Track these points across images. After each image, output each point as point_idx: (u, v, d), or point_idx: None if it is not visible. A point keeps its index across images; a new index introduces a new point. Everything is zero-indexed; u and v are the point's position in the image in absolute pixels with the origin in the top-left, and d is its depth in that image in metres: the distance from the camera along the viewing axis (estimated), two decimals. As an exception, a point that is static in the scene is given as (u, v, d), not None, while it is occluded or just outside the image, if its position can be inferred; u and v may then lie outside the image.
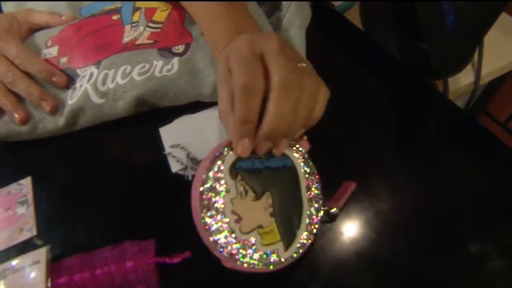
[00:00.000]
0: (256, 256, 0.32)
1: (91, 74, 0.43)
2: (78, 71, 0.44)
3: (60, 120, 0.43)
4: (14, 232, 0.38)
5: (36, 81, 0.43)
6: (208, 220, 0.31)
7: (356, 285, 0.35)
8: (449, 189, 0.40)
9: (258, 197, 0.33)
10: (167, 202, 0.39)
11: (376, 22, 0.68)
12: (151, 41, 0.44)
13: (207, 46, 0.44)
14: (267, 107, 0.31)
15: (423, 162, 0.43)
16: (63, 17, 0.48)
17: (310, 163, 0.36)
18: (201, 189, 0.31)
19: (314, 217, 0.35)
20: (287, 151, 0.35)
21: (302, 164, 0.36)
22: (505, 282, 0.34)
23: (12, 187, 0.41)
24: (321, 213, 0.36)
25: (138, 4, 0.47)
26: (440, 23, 0.55)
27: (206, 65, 0.43)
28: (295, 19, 0.45)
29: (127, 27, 0.45)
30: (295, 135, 0.35)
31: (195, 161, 0.37)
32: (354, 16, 0.71)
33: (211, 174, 0.32)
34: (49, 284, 0.33)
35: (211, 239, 0.31)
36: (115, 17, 0.46)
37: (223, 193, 0.32)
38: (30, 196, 0.40)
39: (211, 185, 0.32)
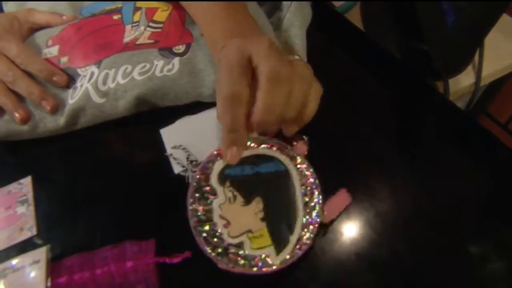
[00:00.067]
0: (245, 260, 0.32)
1: (92, 73, 0.43)
2: (79, 70, 0.44)
3: (61, 120, 0.43)
4: (14, 231, 0.38)
5: (36, 81, 0.43)
6: (197, 223, 0.33)
7: (356, 285, 0.34)
8: (449, 189, 0.40)
9: (247, 202, 0.34)
10: (167, 202, 0.39)
11: (376, 22, 0.68)
12: (152, 41, 0.44)
13: (207, 46, 0.44)
14: (257, 100, 0.31)
15: (423, 163, 0.43)
16: (64, 17, 0.48)
17: (308, 168, 0.36)
18: (191, 196, 0.34)
19: (314, 221, 0.35)
20: (280, 156, 0.36)
21: (296, 169, 0.36)
22: (505, 283, 0.34)
23: (13, 187, 0.41)
24: (324, 215, 0.35)
25: (138, 4, 0.47)
26: (441, 24, 0.55)
27: (206, 65, 0.43)
28: (296, 19, 0.45)
29: (128, 27, 0.45)
30: (290, 125, 0.35)
31: (195, 164, 0.37)
32: (355, 16, 0.71)
33: (201, 181, 0.34)
34: (49, 284, 0.33)
35: (200, 244, 0.33)
36: (115, 17, 0.46)
37: (210, 200, 0.34)
38: (30, 196, 0.40)
39: (201, 192, 0.34)
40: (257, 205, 0.34)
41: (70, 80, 0.44)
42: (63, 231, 0.38)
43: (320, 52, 0.47)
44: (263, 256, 0.33)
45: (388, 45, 0.64)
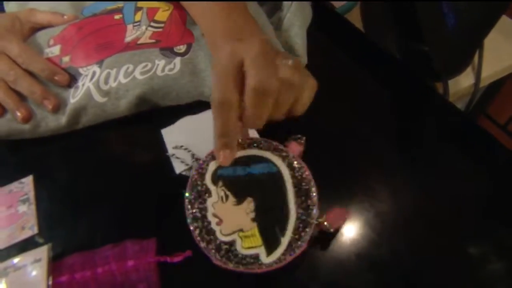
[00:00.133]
0: (236, 258, 0.33)
1: (94, 73, 0.43)
2: (81, 70, 0.44)
3: (62, 119, 0.43)
4: (15, 230, 0.38)
5: (38, 80, 0.43)
6: (193, 220, 0.35)
7: (356, 285, 0.34)
8: (449, 190, 0.40)
9: (238, 202, 0.35)
10: (168, 202, 0.39)
11: (376, 23, 0.68)
12: (153, 41, 0.45)
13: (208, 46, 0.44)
14: (244, 109, 0.33)
15: (423, 164, 0.43)
16: (65, 17, 0.48)
17: (301, 169, 0.36)
18: (187, 194, 0.36)
19: (308, 224, 0.34)
20: (273, 157, 0.37)
21: (289, 170, 0.36)
22: (505, 284, 0.34)
23: (14, 186, 0.41)
24: (323, 218, 0.35)
25: (140, 4, 0.47)
26: (441, 25, 0.56)
27: (207, 65, 0.43)
28: (296, 19, 0.46)
29: (129, 27, 0.45)
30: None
31: (200, 164, 0.38)
32: (355, 17, 0.71)
33: (196, 180, 0.36)
34: (50, 282, 0.33)
35: (196, 239, 0.34)
36: (117, 17, 0.46)
37: (205, 198, 0.35)
38: (31, 195, 0.41)
39: (196, 190, 0.36)
40: (248, 205, 0.35)
41: (72, 79, 0.44)
42: (65, 230, 0.38)
43: (320, 53, 0.48)
44: (254, 255, 0.33)
45: (388, 46, 0.65)
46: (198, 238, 0.34)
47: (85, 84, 0.43)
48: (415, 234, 0.37)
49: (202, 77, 0.43)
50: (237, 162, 0.37)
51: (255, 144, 0.38)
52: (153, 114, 0.45)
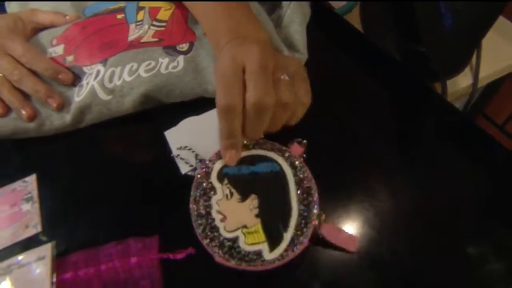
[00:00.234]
0: (239, 254, 0.34)
1: (98, 71, 0.43)
2: (85, 69, 0.44)
3: (67, 117, 0.43)
4: (19, 228, 0.39)
5: (42, 79, 0.44)
6: (197, 217, 0.35)
7: (356, 284, 0.35)
8: (448, 190, 0.40)
9: (243, 199, 0.36)
10: (171, 201, 0.39)
11: (375, 24, 0.68)
12: (156, 39, 0.45)
13: (210, 45, 0.45)
14: (243, 123, 0.35)
15: (422, 163, 0.43)
16: (67, 17, 0.48)
17: (302, 168, 0.37)
18: (193, 191, 0.37)
19: (310, 221, 0.35)
20: (276, 157, 0.38)
21: (291, 169, 0.37)
22: (504, 283, 0.35)
23: (18, 184, 0.42)
24: (322, 218, 0.36)
25: (142, 3, 0.48)
26: (439, 26, 0.56)
27: (209, 62, 0.44)
28: (296, 16, 0.46)
29: (132, 26, 0.46)
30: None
31: (203, 164, 0.39)
32: (354, 18, 0.72)
33: (202, 178, 0.37)
34: (54, 279, 0.34)
35: (199, 237, 0.34)
36: (119, 16, 0.47)
37: (210, 196, 0.36)
38: (35, 193, 0.41)
39: (202, 188, 0.37)
40: (252, 202, 0.36)
41: (76, 78, 0.44)
42: (68, 228, 0.39)
43: (319, 53, 0.48)
44: (257, 252, 0.34)
45: (387, 47, 0.65)
46: (202, 235, 0.34)
47: (89, 83, 0.43)
48: (414, 233, 0.37)
49: (204, 75, 0.44)
50: (242, 161, 0.38)
51: (259, 145, 0.39)
52: (156, 114, 0.45)
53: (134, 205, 0.40)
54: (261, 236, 0.34)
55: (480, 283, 0.35)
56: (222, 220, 0.35)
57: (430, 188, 0.41)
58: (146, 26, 0.46)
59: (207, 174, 0.38)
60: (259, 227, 0.35)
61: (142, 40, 0.45)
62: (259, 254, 0.33)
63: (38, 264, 0.35)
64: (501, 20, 0.74)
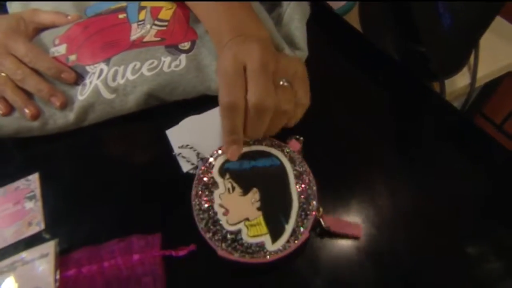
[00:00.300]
0: (242, 247, 0.34)
1: (101, 70, 0.44)
2: (88, 68, 0.44)
3: (70, 116, 0.44)
4: (22, 226, 0.39)
5: (45, 78, 0.44)
6: (200, 211, 0.36)
7: (356, 280, 0.35)
8: (447, 189, 0.41)
9: (244, 192, 0.37)
10: (173, 199, 0.39)
11: (374, 24, 0.69)
12: (158, 39, 0.45)
13: (211, 43, 0.45)
14: (244, 123, 0.36)
15: (422, 163, 0.43)
16: (69, 17, 0.49)
17: (301, 163, 0.39)
18: (195, 187, 0.37)
19: (310, 212, 0.36)
20: (275, 152, 0.39)
21: (290, 163, 0.38)
22: (503, 283, 0.35)
23: (21, 183, 0.42)
24: (320, 213, 0.36)
25: (143, 3, 0.48)
26: (437, 25, 0.57)
27: (211, 60, 0.45)
28: (296, 13, 0.47)
29: (134, 26, 0.46)
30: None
31: (205, 161, 0.39)
32: (353, 18, 0.72)
33: (204, 174, 0.38)
34: (57, 276, 0.34)
35: (202, 231, 0.35)
36: (121, 16, 0.47)
37: (212, 190, 0.37)
38: (38, 192, 0.41)
39: (204, 183, 0.38)
40: (253, 195, 0.37)
41: (79, 77, 0.44)
42: (71, 226, 0.39)
43: (318, 53, 0.48)
44: (260, 244, 0.34)
45: (386, 46, 0.65)
46: (204, 229, 0.35)
47: (92, 82, 0.43)
48: (413, 231, 0.38)
49: (207, 72, 0.44)
50: (243, 156, 0.39)
51: (259, 141, 0.40)
52: (157, 114, 0.46)
53: (137, 203, 0.41)
54: (263, 228, 0.35)
55: (479, 282, 0.35)
56: (225, 214, 0.36)
57: (429, 187, 0.41)
58: (148, 26, 0.46)
59: (209, 169, 0.39)
60: (261, 219, 0.36)
61: (145, 40, 0.45)
62: (261, 246, 0.34)
63: (41, 261, 0.35)
64: (499, 21, 0.75)
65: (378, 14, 0.67)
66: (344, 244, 0.37)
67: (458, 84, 0.69)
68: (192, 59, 0.45)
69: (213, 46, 0.45)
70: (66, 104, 0.44)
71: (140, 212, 0.40)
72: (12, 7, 0.54)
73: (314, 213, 0.36)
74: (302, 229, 0.35)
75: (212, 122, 0.44)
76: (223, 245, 0.34)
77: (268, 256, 0.34)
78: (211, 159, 0.39)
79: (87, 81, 0.44)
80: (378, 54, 0.55)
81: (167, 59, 0.44)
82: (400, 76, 0.53)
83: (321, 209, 0.37)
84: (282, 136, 0.41)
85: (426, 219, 0.38)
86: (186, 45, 0.45)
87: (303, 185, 0.37)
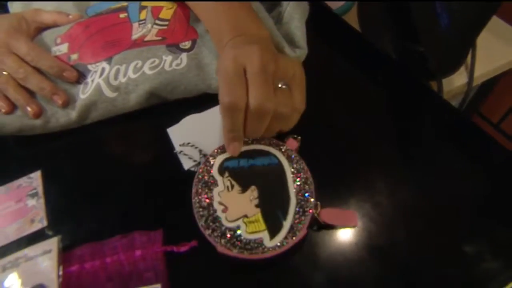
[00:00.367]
0: (241, 243, 0.35)
1: (103, 69, 0.44)
2: (89, 66, 0.45)
3: (73, 114, 0.44)
4: (25, 223, 0.39)
5: (47, 77, 0.44)
6: (199, 209, 0.37)
7: (355, 279, 0.35)
8: (446, 188, 0.41)
9: (243, 190, 0.38)
10: (174, 195, 0.40)
11: (373, 24, 0.69)
12: (159, 38, 0.46)
13: (212, 42, 0.46)
14: (244, 123, 0.37)
15: (420, 162, 0.44)
16: (70, 16, 0.49)
17: (299, 161, 0.39)
18: (195, 185, 0.38)
19: (307, 209, 0.37)
20: (273, 151, 0.40)
21: (288, 162, 0.39)
22: (501, 282, 0.35)
23: (23, 180, 0.42)
24: (317, 210, 0.37)
25: (144, 3, 0.49)
26: (435, 25, 0.57)
27: (212, 59, 0.45)
28: (295, 12, 0.47)
29: (135, 25, 0.47)
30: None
31: (204, 160, 0.40)
32: (352, 18, 0.73)
33: (204, 172, 0.39)
34: (60, 272, 0.34)
35: (201, 228, 0.36)
36: (122, 15, 0.48)
37: (211, 188, 0.38)
38: (40, 189, 0.41)
39: (203, 181, 0.38)
40: (252, 193, 0.38)
41: (81, 76, 0.45)
42: (73, 223, 0.39)
43: (317, 53, 0.49)
44: (258, 240, 0.35)
45: (384, 46, 0.66)
46: (204, 226, 0.36)
47: (94, 80, 0.44)
48: (411, 229, 0.38)
49: (207, 71, 0.45)
50: (242, 155, 0.40)
51: (257, 140, 0.41)
52: (158, 112, 0.46)
53: (138, 200, 0.41)
54: (262, 225, 0.36)
55: (477, 280, 0.35)
56: (224, 211, 0.37)
57: (428, 186, 0.41)
58: (149, 25, 0.47)
59: (209, 168, 0.39)
60: (259, 216, 0.36)
61: (146, 39, 0.46)
62: (260, 242, 0.35)
63: (44, 258, 0.35)
64: (496, 21, 0.75)
65: (377, 14, 0.67)
66: (343, 240, 0.37)
67: (455, 83, 0.70)
68: (193, 58, 0.45)
69: (213, 45, 0.45)
70: (68, 103, 0.44)
71: (142, 209, 0.40)
72: (13, 7, 0.54)
73: (311, 210, 0.36)
74: (300, 225, 0.36)
75: (212, 120, 0.44)
76: (222, 241, 0.35)
77: (266, 252, 0.34)
78: (210, 158, 0.40)
79: (89, 79, 0.44)
80: (376, 54, 0.56)
81: (168, 58, 0.44)
82: (399, 76, 0.53)
83: (319, 207, 0.37)
84: (280, 135, 0.41)
85: (425, 217, 0.39)
86: (187, 44, 0.46)
87: (300, 183, 0.38)
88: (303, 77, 0.40)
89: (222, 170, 0.39)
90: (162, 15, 0.48)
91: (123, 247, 0.36)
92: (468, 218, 0.40)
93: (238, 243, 0.35)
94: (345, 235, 0.38)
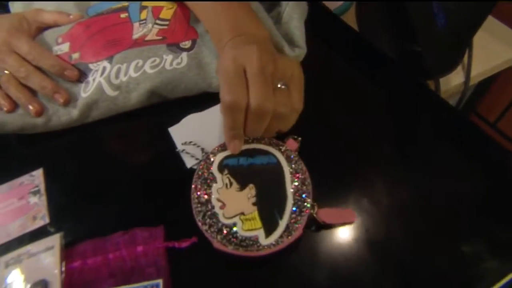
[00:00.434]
0: (237, 239, 0.35)
1: (104, 68, 0.44)
2: (91, 65, 0.45)
3: (74, 113, 0.44)
4: (27, 220, 0.40)
5: (48, 76, 0.45)
6: (198, 204, 0.38)
7: (354, 279, 0.36)
8: (444, 188, 0.41)
9: (241, 188, 0.38)
10: (176, 193, 0.40)
11: (371, 24, 0.70)
12: (160, 37, 0.47)
13: (211, 42, 0.46)
14: (245, 125, 0.38)
15: (419, 162, 0.44)
16: (71, 16, 0.50)
17: (297, 161, 0.40)
18: (195, 181, 0.39)
19: (304, 210, 0.37)
20: (273, 150, 0.41)
21: (287, 162, 0.40)
22: (497, 279, 0.35)
23: (25, 178, 0.43)
24: (314, 210, 0.37)
25: (144, 3, 0.49)
26: (432, 25, 0.58)
27: (212, 58, 0.46)
28: (294, 12, 0.47)
29: (136, 25, 0.47)
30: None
31: (205, 157, 0.41)
32: (350, 18, 0.73)
33: (204, 169, 0.40)
34: (63, 268, 0.35)
35: (199, 223, 0.36)
36: (123, 15, 0.48)
37: (210, 185, 0.39)
38: (42, 187, 0.42)
39: (203, 178, 0.39)
40: (250, 191, 0.38)
41: (82, 74, 0.45)
42: (75, 220, 0.40)
43: (315, 53, 0.49)
44: (254, 237, 0.35)
45: (382, 46, 0.67)
46: (201, 221, 0.36)
47: (96, 79, 0.44)
48: (410, 229, 0.38)
49: (208, 70, 0.45)
50: (242, 153, 0.40)
51: (257, 140, 0.41)
52: (159, 112, 0.47)
53: (140, 197, 0.41)
54: (258, 222, 0.36)
55: (474, 279, 0.35)
56: (221, 208, 0.37)
57: (426, 185, 0.41)
58: (150, 25, 0.47)
59: (209, 165, 0.40)
60: (256, 214, 0.37)
61: (147, 38, 0.46)
62: (255, 240, 0.35)
63: (47, 254, 0.36)
64: (492, 21, 0.76)
65: (375, 14, 0.68)
66: (341, 239, 0.38)
67: (452, 82, 0.70)
68: (194, 57, 0.46)
69: (213, 45, 0.46)
70: (69, 101, 0.44)
71: (144, 206, 0.41)
72: (14, 7, 0.55)
73: (307, 210, 0.37)
74: (296, 225, 0.36)
75: (213, 119, 0.45)
76: (219, 237, 0.35)
77: (261, 250, 0.35)
78: (211, 155, 0.40)
79: (90, 78, 0.45)
80: (374, 54, 0.56)
81: (169, 57, 0.45)
82: (397, 75, 0.53)
83: (316, 207, 0.37)
84: (281, 136, 0.42)
85: (422, 216, 0.39)
86: (187, 44, 0.47)
87: (298, 183, 0.38)
88: (302, 77, 0.41)
89: (221, 167, 0.40)
90: (163, 15, 0.48)
91: (125, 243, 0.36)
92: (465, 216, 0.40)
93: (234, 239, 0.35)
94: (343, 234, 0.38)
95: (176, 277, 0.35)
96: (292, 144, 0.41)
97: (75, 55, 0.46)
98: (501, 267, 0.36)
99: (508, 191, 0.41)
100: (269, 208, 0.37)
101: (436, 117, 0.49)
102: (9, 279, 0.35)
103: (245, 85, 0.36)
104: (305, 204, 0.37)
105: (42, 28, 0.49)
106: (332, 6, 0.72)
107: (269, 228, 0.36)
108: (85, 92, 0.44)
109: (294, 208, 0.37)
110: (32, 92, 0.44)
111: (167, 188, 0.41)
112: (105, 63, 0.45)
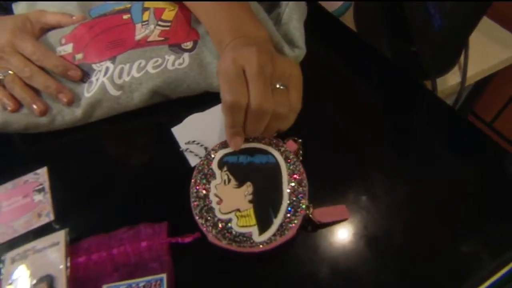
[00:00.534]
0: (231, 235, 0.36)
1: (107, 68, 0.45)
2: (94, 66, 0.46)
3: (78, 112, 0.45)
4: (32, 217, 0.40)
5: (52, 76, 0.45)
6: (196, 198, 0.38)
7: (354, 277, 0.36)
8: (441, 185, 0.42)
9: (239, 185, 0.39)
10: (178, 190, 0.41)
11: (368, 24, 0.71)
12: (162, 38, 0.47)
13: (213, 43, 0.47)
14: (245, 124, 0.39)
15: (418, 161, 0.44)
16: (74, 17, 0.50)
17: (295, 162, 0.40)
18: (194, 177, 0.40)
19: (299, 210, 0.37)
20: (273, 150, 0.41)
21: (285, 162, 0.40)
22: (491, 271, 0.36)
23: (29, 176, 0.43)
24: (310, 210, 0.38)
25: (146, 4, 0.50)
26: (428, 26, 0.59)
27: (213, 59, 0.47)
28: (294, 13, 0.48)
29: (138, 26, 0.48)
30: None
31: (206, 153, 0.41)
32: (348, 19, 0.74)
33: (204, 165, 0.41)
34: (68, 264, 0.35)
35: (196, 216, 0.37)
36: (125, 17, 0.49)
37: (209, 180, 0.40)
38: (46, 185, 0.42)
39: (203, 173, 0.40)
40: (247, 188, 0.39)
41: (85, 75, 0.46)
42: (80, 217, 0.40)
43: (313, 53, 0.49)
44: (247, 234, 0.36)
45: (379, 46, 0.67)
46: (198, 215, 0.37)
47: (99, 79, 0.45)
48: (409, 228, 0.39)
49: (209, 70, 0.46)
50: (242, 151, 0.41)
51: (258, 139, 0.42)
52: (162, 112, 0.47)
53: (144, 194, 0.42)
54: (252, 220, 0.37)
55: (471, 277, 0.36)
56: (218, 203, 0.38)
57: (425, 184, 0.42)
58: (152, 26, 0.48)
59: (209, 161, 0.41)
60: (251, 211, 0.38)
61: (149, 39, 0.47)
62: (249, 236, 0.36)
63: (52, 250, 0.36)
64: (488, 23, 0.77)
65: (372, 15, 0.69)
66: (339, 237, 0.38)
67: (449, 82, 0.71)
68: (195, 57, 0.46)
69: (213, 45, 0.46)
70: (73, 101, 0.45)
71: (148, 203, 0.41)
72: (18, 8, 0.55)
73: (302, 211, 0.37)
74: (290, 225, 0.37)
75: (214, 118, 0.46)
76: (214, 231, 0.36)
77: (254, 247, 0.35)
78: (212, 152, 0.41)
79: (93, 78, 0.46)
80: (372, 54, 0.56)
81: (171, 58, 0.46)
82: (394, 75, 0.54)
83: (311, 208, 0.38)
84: (281, 136, 0.43)
85: (421, 214, 0.39)
86: (188, 45, 0.47)
87: (295, 184, 0.39)
88: (300, 78, 0.41)
89: (221, 164, 0.41)
90: (165, 16, 0.49)
91: (129, 238, 0.37)
92: (462, 214, 0.40)
93: (228, 234, 0.36)
94: (341, 231, 0.39)
95: (179, 272, 0.36)
96: (292, 145, 0.42)
97: (79, 56, 0.47)
98: (497, 261, 0.36)
99: (504, 189, 0.42)
100: (265, 206, 0.38)
101: (434, 116, 0.49)
102: (15, 275, 0.35)
103: (245, 86, 0.37)
104: (301, 204, 0.38)
105: (45, 29, 0.50)
106: (331, 7, 0.73)
107: (263, 226, 0.37)
108: (88, 92, 0.45)
109: (289, 208, 0.38)
110: (36, 92, 0.45)
111: (170, 185, 0.42)
112: (108, 64, 0.46)
